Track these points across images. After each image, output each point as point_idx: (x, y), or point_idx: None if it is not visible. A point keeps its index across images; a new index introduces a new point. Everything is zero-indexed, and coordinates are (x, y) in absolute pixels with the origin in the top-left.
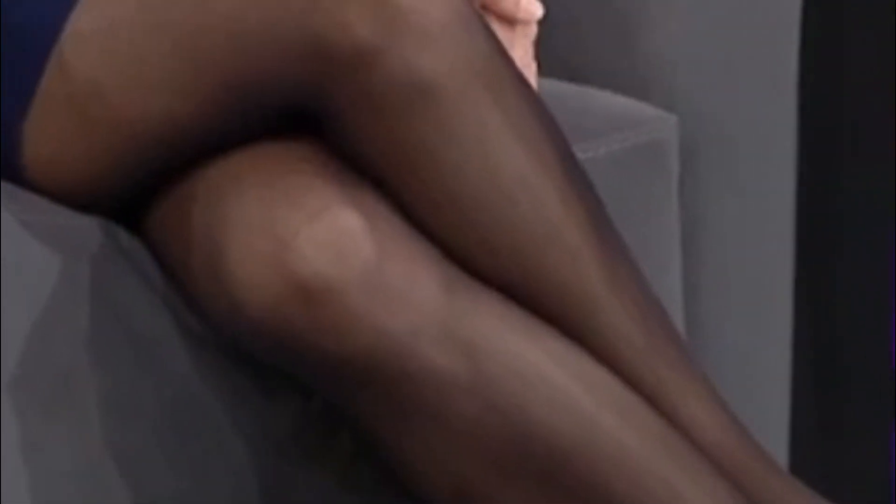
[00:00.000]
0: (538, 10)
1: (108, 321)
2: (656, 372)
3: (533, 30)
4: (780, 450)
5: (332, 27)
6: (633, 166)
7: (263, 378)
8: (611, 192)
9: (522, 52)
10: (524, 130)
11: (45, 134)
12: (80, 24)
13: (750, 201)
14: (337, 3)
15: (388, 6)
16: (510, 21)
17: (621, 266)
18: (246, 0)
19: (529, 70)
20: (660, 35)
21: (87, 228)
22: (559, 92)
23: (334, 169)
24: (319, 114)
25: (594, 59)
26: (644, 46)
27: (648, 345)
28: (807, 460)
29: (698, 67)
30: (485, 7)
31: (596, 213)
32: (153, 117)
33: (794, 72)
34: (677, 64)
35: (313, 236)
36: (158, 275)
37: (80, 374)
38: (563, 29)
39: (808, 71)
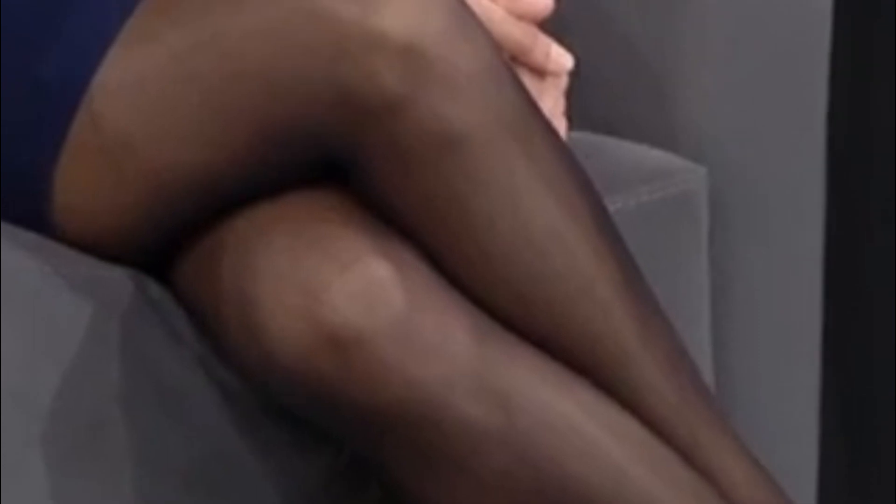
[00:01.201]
0: (568, 62)
1: (138, 373)
2: (688, 426)
3: (563, 81)
4: None
5: (360, 76)
6: (662, 218)
7: (294, 431)
8: (641, 243)
9: (552, 104)
10: (554, 181)
11: (75, 185)
12: (109, 76)
13: (779, 253)
14: (365, 53)
15: (417, 56)
16: (540, 72)
17: (652, 319)
18: (275, 49)
19: (560, 122)
20: (691, 88)
21: (118, 280)
22: (589, 143)
23: (364, 218)
24: (348, 163)
25: (624, 111)
26: (675, 99)
27: (680, 399)
28: None
29: (728, 119)
30: (515, 58)
31: (627, 265)
32: (183, 168)
33: (823, 125)
34: (707, 116)
35: (344, 287)
36: (188, 327)
37: (109, 426)
38: (593, 81)
39: (837, 124)
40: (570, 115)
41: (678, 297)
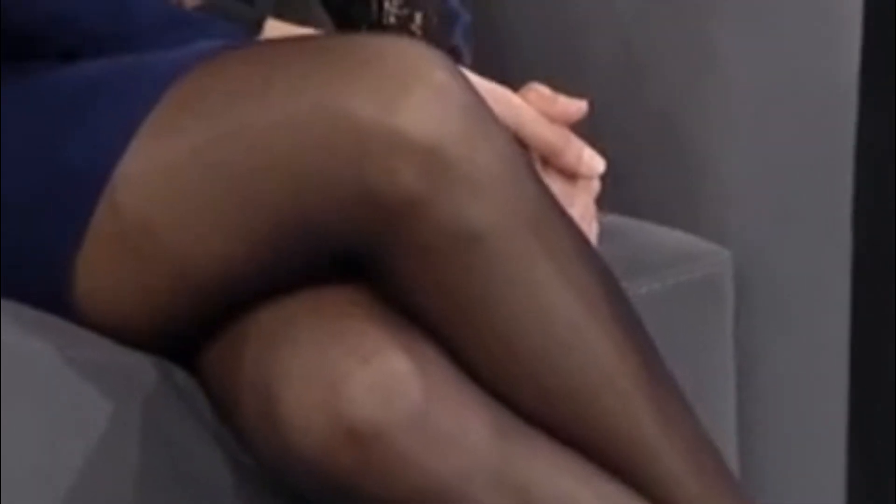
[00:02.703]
0: (600, 165)
1: (162, 459)
2: None
3: (595, 185)
4: None
5: (381, 175)
6: (687, 301)
7: None
8: (666, 326)
9: (583, 208)
10: (574, 276)
11: (97, 271)
12: (132, 166)
13: (805, 336)
14: (386, 151)
15: (437, 155)
16: (571, 176)
17: (674, 409)
18: (298, 144)
19: (590, 227)
20: (716, 171)
21: (141, 366)
22: (614, 226)
23: (384, 312)
24: (369, 259)
25: (649, 194)
26: (699, 182)
27: (703, 487)
28: None
29: (753, 202)
30: (545, 161)
31: (647, 355)
32: (206, 258)
33: (849, 207)
34: (732, 199)
35: (363, 380)
36: (212, 413)
37: None
38: (619, 165)
39: (863, 207)
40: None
41: (703, 379)
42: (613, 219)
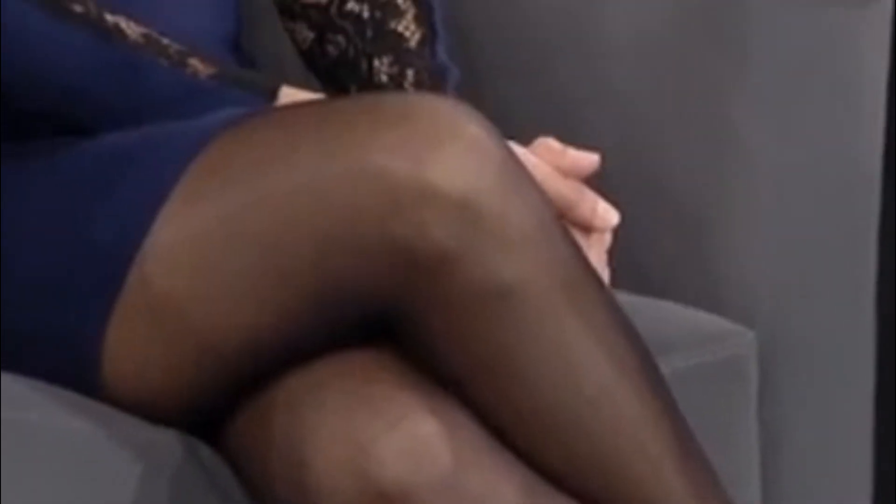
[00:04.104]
0: (614, 218)
1: None
2: None
3: (607, 238)
4: None
5: (412, 231)
6: (711, 381)
7: None
8: (690, 406)
9: (597, 260)
10: (604, 337)
11: (124, 346)
12: (160, 238)
13: (829, 416)
14: (417, 208)
15: (469, 211)
16: (586, 228)
17: (703, 478)
18: (327, 208)
19: (604, 274)
20: (739, 251)
21: (167, 443)
22: (638, 306)
23: (412, 375)
24: (398, 317)
25: (673, 276)
26: (723, 262)
27: None
28: None
29: (778, 285)
30: (561, 214)
31: (677, 422)
32: (235, 329)
33: (873, 287)
34: (756, 279)
35: (392, 443)
36: (238, 489)
37: None
38: (641, 243)
39: (886, 288)
40: (618, 278)
41: (728, 459)
42: (635, 298)
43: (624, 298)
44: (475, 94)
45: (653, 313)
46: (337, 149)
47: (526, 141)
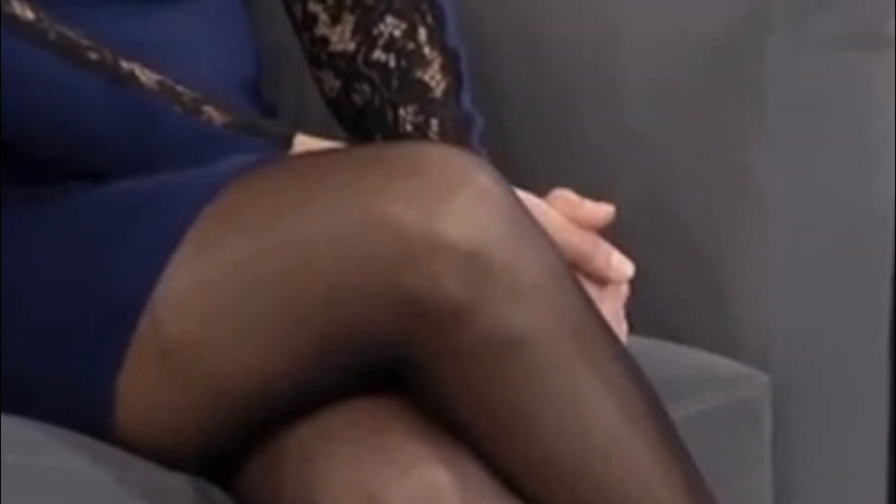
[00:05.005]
0: (629, 270)
1: None
2: None
3: (624, 290)
4: None
5: (423, 282)
6: (725, 425)
7: None
8: (703, 450)
9: (612, 313)
10: (616, 387)
11: (137, 392)
12: (172, 284)
13: (843, 461)
14: (428, 259)
15: (480, 262)
16: (600, 281)
17: None
18: (339, 256)
19: (620, 331)
20: (753, 295)
21: (179, 487)
22: (651, 349)
23: (423, 423)
24: (408, 366)
25: (688, 319)
26: (737, 305)
27: None
28: None
29: (792, 328)
30: (575, 266)
31: (688, 469)
32: (247, 374)
33: (887, 330)
34: (770, 322)
35: (403, 492)
36: None
37: None
38: (655, 286)
39: None
40: (632, 321)
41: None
42: (649, 341)
43: (638, 341)
44: (498, 142)
45: (667, 356)
46: (350, 198)
47: (545, 188)
